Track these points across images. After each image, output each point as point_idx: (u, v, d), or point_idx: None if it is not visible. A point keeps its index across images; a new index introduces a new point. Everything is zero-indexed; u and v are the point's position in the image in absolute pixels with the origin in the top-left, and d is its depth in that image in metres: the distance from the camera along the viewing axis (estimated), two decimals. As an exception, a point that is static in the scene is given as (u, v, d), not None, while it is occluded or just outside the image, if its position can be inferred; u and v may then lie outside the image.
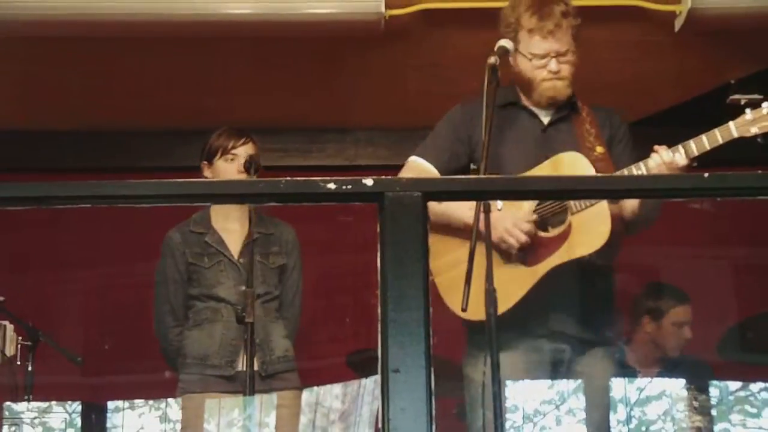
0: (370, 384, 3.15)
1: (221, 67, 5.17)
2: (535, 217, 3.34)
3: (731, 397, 4.06)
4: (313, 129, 5.86)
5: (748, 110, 3.19)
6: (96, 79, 5.23)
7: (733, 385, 4.12)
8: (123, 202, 1.79)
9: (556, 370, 3.40)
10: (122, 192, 1.75)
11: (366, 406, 3.07)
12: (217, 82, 5.28)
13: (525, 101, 3.49)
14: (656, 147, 3.27)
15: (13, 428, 4.33)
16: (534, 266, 3.32)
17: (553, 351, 3.37)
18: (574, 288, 3.38)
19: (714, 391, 4.05)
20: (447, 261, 3.28)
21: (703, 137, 3.21)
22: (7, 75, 5.14)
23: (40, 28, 4.59)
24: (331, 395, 3.25)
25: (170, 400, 4.40)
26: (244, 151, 4.03)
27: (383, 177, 1.72)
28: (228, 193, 2.01)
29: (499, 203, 3.22)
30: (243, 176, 3.96)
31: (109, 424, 4.63)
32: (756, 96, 4.82)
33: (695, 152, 3.21)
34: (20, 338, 4.58)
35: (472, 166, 3.34)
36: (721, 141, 3.19)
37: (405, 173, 3.46)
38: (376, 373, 1.63)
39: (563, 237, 3.30)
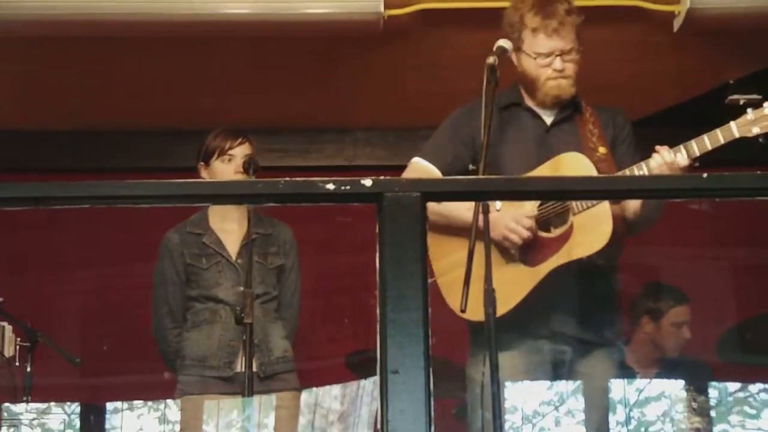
0: (369, 385, 3.14)
1: (220, 67, 5.16)
2: (536, 213, 3.33)
3: (730, 398, 4.06)
4: (311, 129, 5.85)
5: (749, 110, 3.19)
6: (95, 79, 5.22)
7: (732, 386, 4.12)
8: (122, 202, 1.79)
9: (557, 370, 3.39)
10: (121, 192, 1.74)
11: (365, 407, 3.06)
12: (216, 82, 5.28)
13: (528, 102, 3.49)
14: (658, 147, 3.26)
15: (11, 429, 4.33)
16: (535, 267, 3.31)
17: (555, 352, 3.36)
18: (576, 289, 3.37)
19: (713, 392, 4.05)
20: (450, 262, 3.27)
21: (705, 137, 3.20)
22: (6, 75, 5.14)
23: (40, 28, 4.59)
24: (330, 396, 3.24)
25: (169, 401, 4.40)
26: (240, 151, 4.02)
27: (382, 177, 1.71)
28: (227, 194, 2.01)
29: (498, 204, 3.21)
30: (241, 177, 3.95)
31: (107, 425, 4.63)
32: (755, 96, 4.82)
33: (697, 152, 3.20)
34: (19, 339, 4.58)
35: (471, 167, 3.33)
36: (722, 141, 3.19)
37: (407, 174, 3.45)
38: (375, 374, 1.62)
39: (565, 237, 3.30)
